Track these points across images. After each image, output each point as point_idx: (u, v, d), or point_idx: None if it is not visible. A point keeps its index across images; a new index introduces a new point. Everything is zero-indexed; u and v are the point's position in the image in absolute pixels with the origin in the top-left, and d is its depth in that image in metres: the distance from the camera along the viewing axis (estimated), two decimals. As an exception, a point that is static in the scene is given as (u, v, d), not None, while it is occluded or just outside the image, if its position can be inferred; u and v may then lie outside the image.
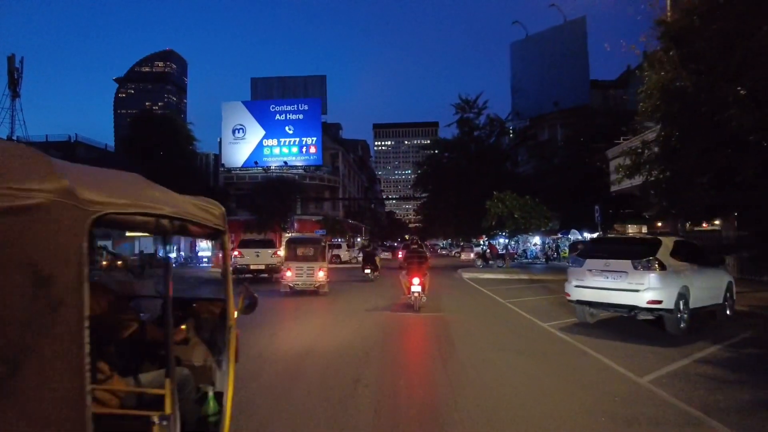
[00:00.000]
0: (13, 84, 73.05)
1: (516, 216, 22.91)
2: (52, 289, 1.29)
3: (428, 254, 12.85)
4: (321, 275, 13.25)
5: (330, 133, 49.76)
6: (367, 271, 19.85)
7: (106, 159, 50.03)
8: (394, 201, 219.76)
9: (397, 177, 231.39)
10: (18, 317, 1.24)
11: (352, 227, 48.59)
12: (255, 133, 42.83)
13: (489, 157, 40.16)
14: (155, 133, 39.19)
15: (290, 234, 31.85)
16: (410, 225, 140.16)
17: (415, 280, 10.65)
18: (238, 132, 43.02)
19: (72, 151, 60.37)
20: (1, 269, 1.22)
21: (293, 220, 36.66)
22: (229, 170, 42.82)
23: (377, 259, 21.63)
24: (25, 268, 1.25)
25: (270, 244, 20.86)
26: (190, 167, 40.45)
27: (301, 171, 42.40)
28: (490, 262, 25.98)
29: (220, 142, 43.34)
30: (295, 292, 13.56)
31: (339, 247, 38.00)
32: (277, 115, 42.73)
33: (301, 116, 42.55)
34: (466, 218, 37.76)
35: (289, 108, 42.73)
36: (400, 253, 32.68)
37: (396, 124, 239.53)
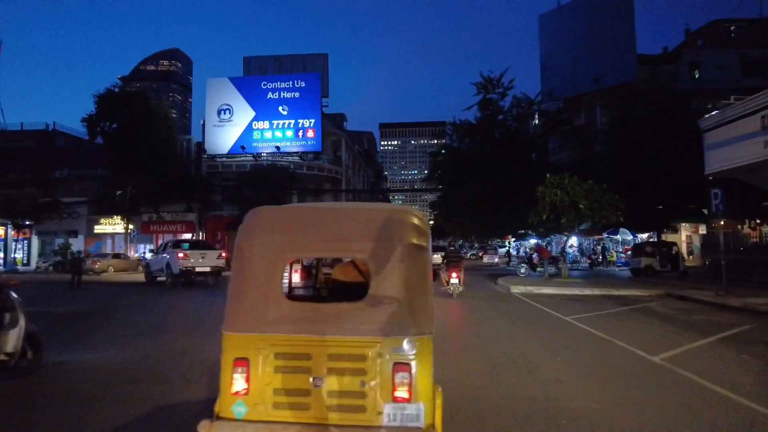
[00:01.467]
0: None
1: (582, 206, 16.67)
2: None
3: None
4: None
5: (333, 122, 43.62)
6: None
7: (81, 148, 44.59)
8: (402, 198, 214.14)
9: (403, 177, 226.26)
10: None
11: None
12: (243, 114, 36.76)
13: (518, 144, 34.03)
14: (124, 113, 33.32)
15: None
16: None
17: (453, 275, 14.21)
18: (224, 113, 36.96)
19: (50, 140, 54.86)
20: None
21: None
22: (214, 158, 36.75)
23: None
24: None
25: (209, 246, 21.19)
26: (166, 154, 34.50)
27: (297, 159, 36.28)
28: (539, 269, 19.81)
29: (204, 126, 37.30)
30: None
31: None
32: (270, 93, 36.64)
33: (297, 94, 36.43)
34: (490, 214, 31.93)
35: (283, 85, 36.64)
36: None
37: (402, 123, 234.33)
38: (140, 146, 33.65)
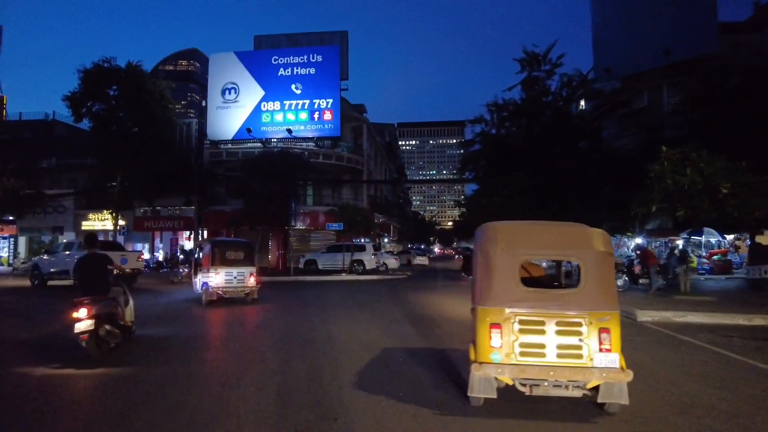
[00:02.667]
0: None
1: (724, 190, 11.33)
2: None
3: None
4: (252, 281, 12.74)
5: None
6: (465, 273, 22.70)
7: (78, 137, 40.67)
8: (420, 199, 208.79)
9: (421, 177, 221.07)
10: None
11: (379, 225, 37.37)
12: (251, 93, 32.03)
13: (569, 130, 28.86)
14: (113, 91, 28.79)
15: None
16: (438, 227, 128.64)
17: None
18: (229, 93, 32.28)
19: (49, 130, 51.00)
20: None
21: (295, 212, 25.64)
22: (217, 144, 32.03)
23: None
24: None
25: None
26: (162, 139, 29.86)
27: (312, 146, 31.39)
28: (642, 281, 14.54)
29: (206, 108, 32.65)
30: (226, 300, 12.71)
31: (362, 249, 26.85)
32: (281, 69, 31.84)
33: (312, 70, 31.56)
34: (539, 210, 26.84)
35: (297, 60, 31.79)
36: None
37: (420, 123, 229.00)
38: (132, 130, 29.13)
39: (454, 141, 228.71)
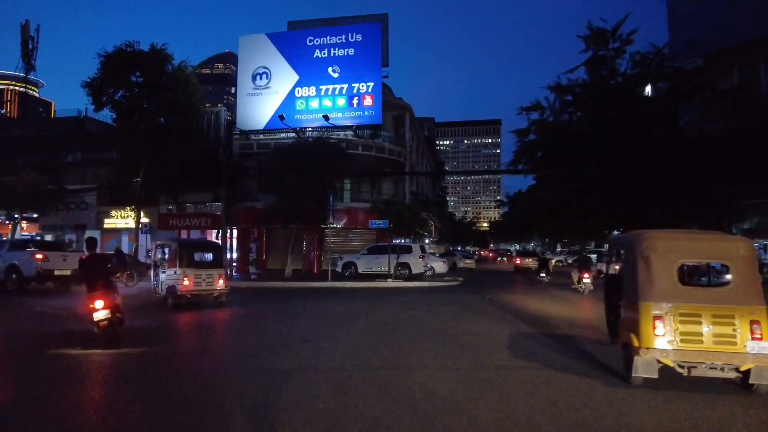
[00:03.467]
0: (27, 55, 63.70)
1: None
2: None
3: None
4: (221, 283, 12.41)
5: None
6: (543, 275, 23.65)
7: (107, 132, 39.04)
8: (454, 200, 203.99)
9: (455, 178, 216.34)
10: None
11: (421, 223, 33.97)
12: (284, 78, 29.19)
13: (642, 115, 24.91)
14: (135, 77, 26.49)
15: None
16: (476, 228, 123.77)
17: (586, 275, 17.37)
18: (260, 78, 29.52)
19: (82, 126, 49.87)
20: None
21: (333, 207, 22.51)
22: (247, 134, 29.27)
23: (550, 264, 26.49)
24: None
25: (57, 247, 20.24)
26: (189, 129, 27.39)
27: (349, 135, 28.27)
28: None
29: (236, 95, 30.01)
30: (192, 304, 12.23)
31: (408, 251, 23.51)
32: (317, 51, 28.84)
33: (351, 51, 28.44)
34: (612, 208, 23.58)
35: (334, 40, 28.72)
36: (517, 260, 36.34)
37: (455, 122, 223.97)
38: (155, 119, 26.73)
39: (490, 140, 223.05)
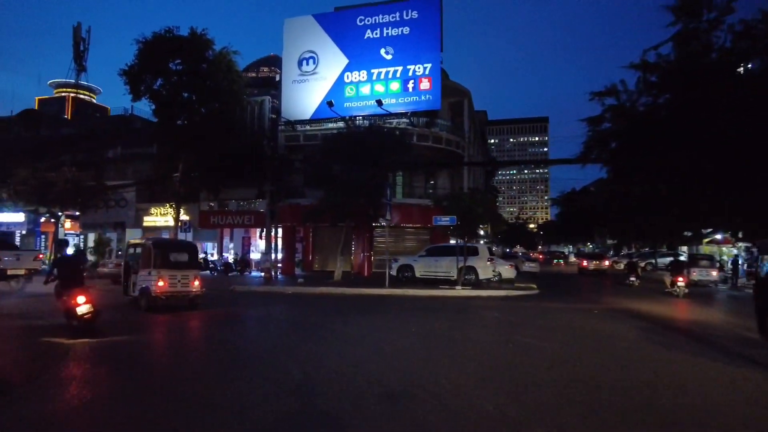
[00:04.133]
0: (78, 56, 64.52)
1: None
2: None
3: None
4: (196, 284, 12.11)
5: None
6: (632, 279, 21.93)
7: (150, 127, 37.94)
8: (502, 199, 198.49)
9: (500, 177, 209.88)
10: None
11: (496, 220, 30.72)
12: (333, 62, 26.69)
13: (747, 95, 20.37)
14: (174, 64, 24.65)
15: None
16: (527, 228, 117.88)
17: (680, 279, 17.36)
18: (307, 63, 27.14)
19: (128, 124, 49.71)
20: None
21: (391, 202, 19.68)
22: (293, 125, 26.92)
23: (638, 268, 25.00)
24: None
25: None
26: (231, 119, 25.34)
27: (403, 123, 25.42)
28: None
29: (280, 83, 27.77)
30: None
31: (474, 253, 20.49)
32: (368, 31, 26.17)
33: (406, 30, 25.59)
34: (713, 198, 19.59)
35: (387, 18, 25.95)
36: (584, 262, 34.59)
37: (501, 120, 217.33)
38: (195, 108, 24.79)
39: (537, 138, 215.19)
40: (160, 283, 11.37)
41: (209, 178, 25.70)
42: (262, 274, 24.10)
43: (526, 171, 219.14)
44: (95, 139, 34.98)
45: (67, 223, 32.19)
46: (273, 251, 23.68)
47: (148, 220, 29.05)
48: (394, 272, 21.83)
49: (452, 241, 22.44)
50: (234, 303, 14.18)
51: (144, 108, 32.91)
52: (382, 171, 20.81)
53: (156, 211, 28.86)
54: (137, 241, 13.78)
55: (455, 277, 20.31)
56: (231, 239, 30.09)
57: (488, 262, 20.16)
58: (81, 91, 73.71)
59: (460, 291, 16.75)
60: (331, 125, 26.32)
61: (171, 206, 25.33)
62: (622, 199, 31.56)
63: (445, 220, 17.60)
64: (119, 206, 29.15)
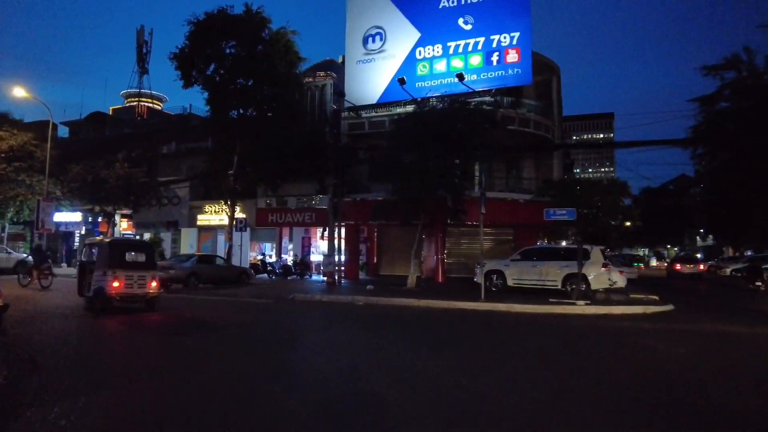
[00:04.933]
0: (141, 59, 65.02)
1: None
2: None
3: None
4: (154, 285, 11.52)
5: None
6: (758, 283, 20.75)
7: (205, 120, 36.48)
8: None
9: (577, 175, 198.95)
10: None
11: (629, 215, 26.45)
12: (402, 37, 23.42)
13: None
14: (228, 47, 22.34)
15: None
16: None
17: None
18: (373, 40, 24.03)
19: (187, 123, 49.19)
20: None
21: (485, 194, 15.96)
22: (357, 111, 23.83)
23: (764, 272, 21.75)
24: None
25: None
26: (289, 106, 22.69)
27: (487, 102, 21.64)
28: None
29: (342, 63, 24.80)
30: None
31: (584, 257, 16.57)
32: (443, 0, 22.67)
33: (488, -6, 21.89)
34: None
35: (465, -16, 22.35)
36: (677, 265, 32.95)
37: (577, 116, 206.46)
38: (251, 95, 22.31)
39: (602, 135, 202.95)
40: (115, 284, 10.81)
41: (267, 172, 23.17)
42: (325, 278, 21.18)
43: (591, 170, 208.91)
44: (151, 137, 33.68)
45: (123, 223, 30.86)
46: (337, 253, 20.65)
47: (202, 219, 26.93)
48: (479, 279, 18.28)
49: (539, 242, 18.50)
50: (291, 316, 11.16)
51: (202, 106, 31.12)
52: (469, 156, 17.29)
53: (210, 208, 26.69)
54: (94, 240, 13.07)
55: (559, 286, 16.52)
56: (290, 239, 27.48)
57: (603, 269, 16.12)
58: (147, 99, 75.07)
59: (582, 307, 12.86)
60: (400, 110, 23.05)
61: (226, 203, 22.98)
62: (738, 192, 26.48)
63: (561, 214, 13.71)
64: (172, 204, 27.27)
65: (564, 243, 20.69)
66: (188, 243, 28.57)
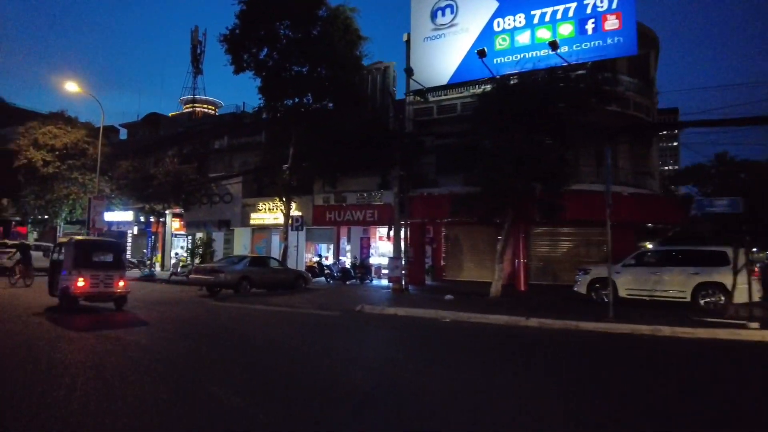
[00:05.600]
0: (195, 59, 65.03)
1: None
2: None
3: None
4: (121, 285, 11.54)
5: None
6: None
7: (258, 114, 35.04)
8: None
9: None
10: None
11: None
12: (477, 8, 20.50)
13: None
14: (283, 27, 20.27)
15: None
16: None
17: None
18: (443, 13, 21.24)
19: (237, 119, 48.42)
20: None
21: (610, 182, 12.77)
22: (425, 94, 21.09)
23: None
24: None
25: None
26: (349, 90, 20.38)
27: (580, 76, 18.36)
28: None
29: (408, 43, 22.12)
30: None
31: (718, 261, 13.18)
32: (526, -39, 19.60)
33: (582, -49, 18.61)
34: None
35: (553, -62, 19.17)
36: None
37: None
38: (307, 79, 20.12)
39: (665, 132, 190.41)
40: (80, 283, 10.88)
41: (325, 165, 20.89)
42: (390, 284, 18.57)
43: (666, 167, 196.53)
44: (203, 134, 32.40)
45: (175, 223, 29.61)
46: (404, 254, 18.00)
47: (255, 218, 25.02)
48: (580, 289, 15.15)
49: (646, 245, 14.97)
50: (370, 339, 8.59)
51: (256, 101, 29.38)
52: (568, 139, 14.21)
53: (264, 206, 24.73)
54: (64, 240, 12.95)
55: (687, 298, 13.27)
56: (348, 239, 25.13)
57: (751, 277, 12.61)
58: (202, 105, 75.62)
59: (758, 332, 9.52)
60: (473, 91, 20.16)
61: (281, 200, 20.89)
62: None
63: (720, 206, 10.38)
64: (224, 202, 25.57)
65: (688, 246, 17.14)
66: (241, 243, 26.81)
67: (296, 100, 20.61)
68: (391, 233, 18.44)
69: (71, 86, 24.16)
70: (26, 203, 26.29)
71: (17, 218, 32.52)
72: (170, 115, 74.78)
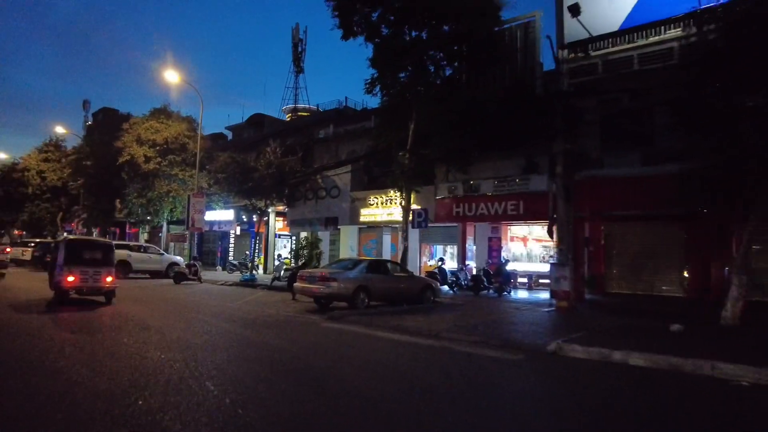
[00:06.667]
0: (297, 58, 64.34)
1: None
2: None
3: None
4: (109, 280, 12.55)
5: None
6: None
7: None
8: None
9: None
10: None
11: None
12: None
13: None
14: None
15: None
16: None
17: None
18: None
19: (340, 114, 46.40)
20: None
21: None
22: (585, 47, 15.92)
23: None
24: None
25: None
26: (483, 50, 16.03)
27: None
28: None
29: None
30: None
31: None
32: None
33: None
34: None
35: None
36: None
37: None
38: (427, 42, 16.13)
39: None
40: (70, 278, 11.91)
41: (452, 148, 16.60)
42: (553, 299, 13.86)
43: None
44: (307, 126, 29.84)
45: (279, 223, 27.16)
46: (573, 260, 13.21)
47: (366, 213, 21.33)
48: None
49: None
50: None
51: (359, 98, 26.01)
52: None
53: (376, 200, 20.99)
54: (59, 239, 14.43)
55: None
56: (475, 240, 20.66)
57: None
58: (304, 112, 75.83)
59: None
60: (654, 40, 14.80)
61: (399, 192, 17.00)
62: None
63: None
64: (331, 197, 22.29)
65: None
66: (348, 244, 23.47)
67: (414, 69, 16.62)
68: (553, 229, 13.73)
69: (171, 76, 22.45)
70: (129, 201, 25.21)
71: (131, 219, 32.27)
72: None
